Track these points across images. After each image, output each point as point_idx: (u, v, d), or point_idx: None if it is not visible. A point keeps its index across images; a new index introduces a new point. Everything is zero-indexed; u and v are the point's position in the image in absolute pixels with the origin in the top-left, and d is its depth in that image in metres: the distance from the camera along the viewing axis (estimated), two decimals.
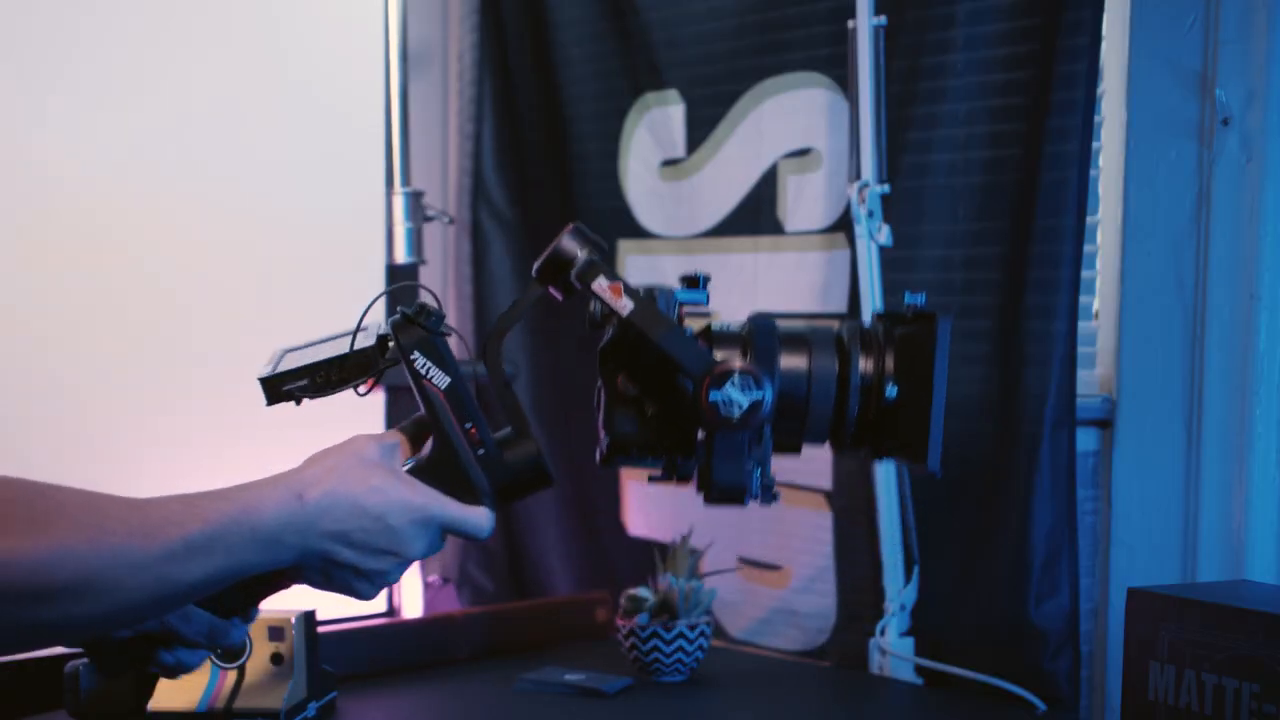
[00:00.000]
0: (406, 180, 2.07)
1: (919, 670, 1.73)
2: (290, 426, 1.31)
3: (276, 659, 1.50)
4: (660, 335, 1.09)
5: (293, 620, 1.50)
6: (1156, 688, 1.35)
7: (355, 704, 1.62)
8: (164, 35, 1.81)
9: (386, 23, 2.03)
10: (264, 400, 1.15)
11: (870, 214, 1.75)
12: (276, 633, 1.50)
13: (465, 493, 1.10)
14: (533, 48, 2.19)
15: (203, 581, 0.99)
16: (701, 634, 1.73)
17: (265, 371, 1.15)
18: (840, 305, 1.81)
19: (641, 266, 2.09)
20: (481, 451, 1.12)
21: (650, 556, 1.83)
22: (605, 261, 1.10)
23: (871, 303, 1.74)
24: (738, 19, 1.93)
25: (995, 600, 1.66)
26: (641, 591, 1.75)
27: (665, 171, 2.04)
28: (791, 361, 1.12)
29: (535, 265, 1.12)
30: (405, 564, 1.09)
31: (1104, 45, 1.60)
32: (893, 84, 1.73)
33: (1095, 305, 1.70)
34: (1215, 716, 1.29)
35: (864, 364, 1.13)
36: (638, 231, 2.08)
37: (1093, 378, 1.68)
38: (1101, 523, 1.67)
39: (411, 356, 1.10)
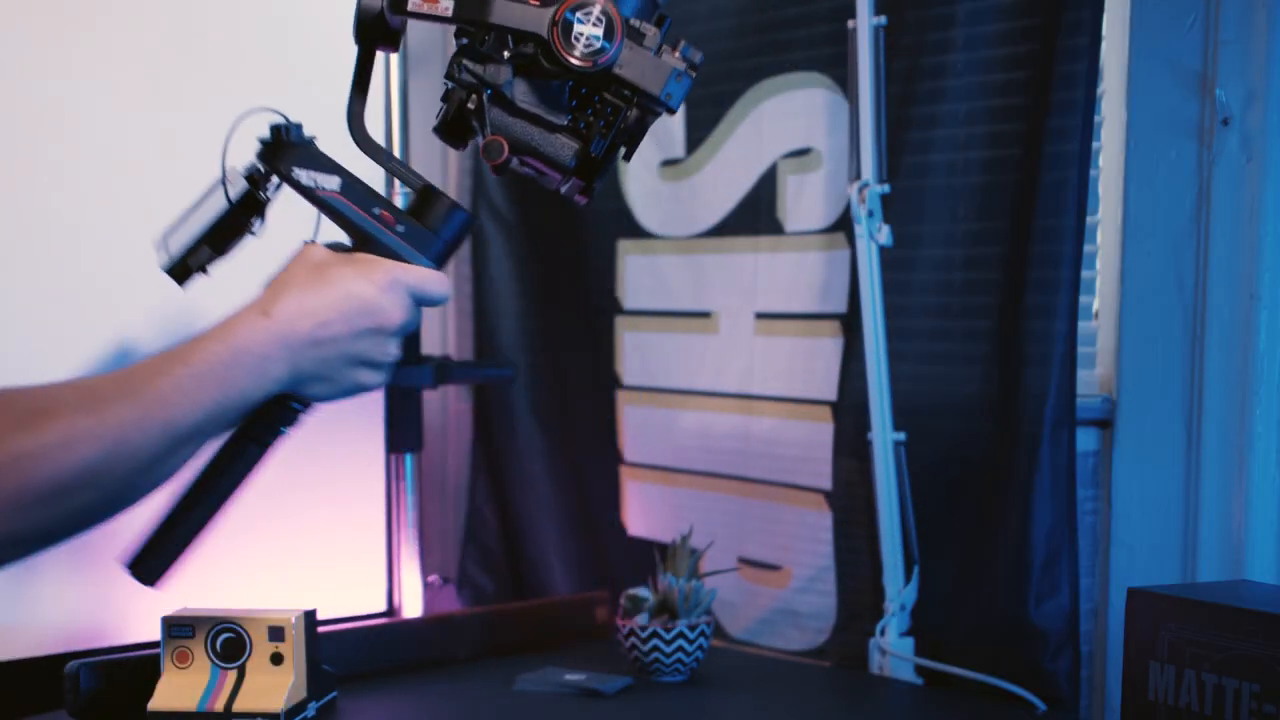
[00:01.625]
0: None
1: (919, 670, 1.73)
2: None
3: (276, 659, 1.50)
4: (492, 14, 1.06)
5: (293, 620, 1.50)
6: (1156, 688, 1.35)
7: (355, 704, 1.62)
8: (163, 35, 1.81)
9: None
10: (177, 288, 1.14)
11: (870, 214, 1.75)
12: (276, 633, 1.50)
13: None
14: None
15: (210, 419, 1.01)
16: (701, 634, 1.73)
17: (166, 262, 1.15)
18: (840, 305, 1.82)
19: (641, 266, 2.09)
20: (401, 228, 1.11)
21: (650, 556, 1.84)
22: None
23: (872, 303, 1.75)
24: (738, 19, 1.93)
25: (995, 600, 1.66)
26: (641, 591, 1.75)
27: (665, 171, 2.04)
28: None
29: (352, 32, 1.10)
30: (394, 336, 1.10)
31: (1104, 45, 1.61)
32: (893, 84, 1.73)
33: (1095, 305, 1.70)
34: (1215, 716, 1.29)
35: None
36: (637, 231, 2.08)
37: (1093, 378, 1.68)
38: (1101, 523, 1.67)
39: (294, 176, 1.10)
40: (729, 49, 1.94)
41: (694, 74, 1.10)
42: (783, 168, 1.90)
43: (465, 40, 1.11)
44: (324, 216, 1.13)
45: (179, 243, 1.15)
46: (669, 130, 2.02)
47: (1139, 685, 1.37)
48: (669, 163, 2.03)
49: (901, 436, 1.74)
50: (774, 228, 1.91)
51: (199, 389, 1.00)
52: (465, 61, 1.09)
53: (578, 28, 1.06)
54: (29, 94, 1.71)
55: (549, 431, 2.24)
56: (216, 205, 1.14)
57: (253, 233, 1.16)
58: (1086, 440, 1.66)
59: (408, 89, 2.06)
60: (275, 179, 1.13)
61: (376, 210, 1.11)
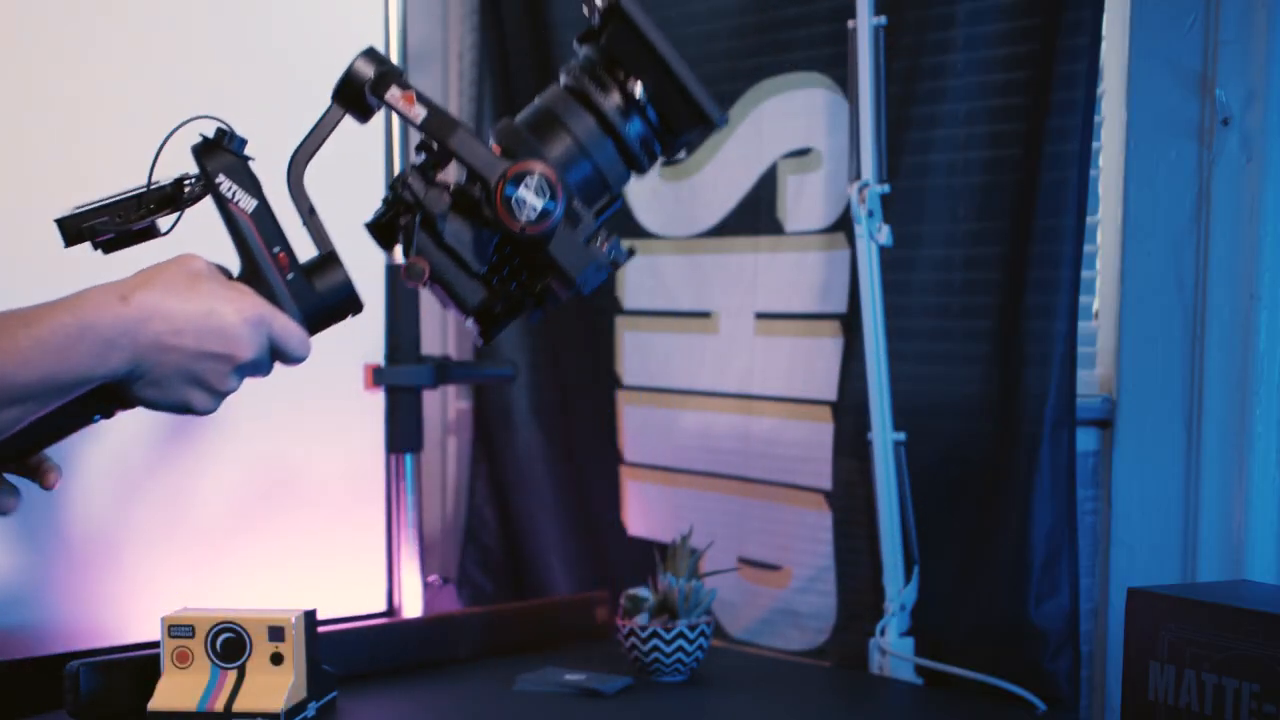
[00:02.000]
0: None
1: (919, 670, 1.73)
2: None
3: (276, 659, 1.50)
4: (454, 140, 1.10)
5: (293, 620, 1.50)
6: (1156, 688, 1.35)
7: (355, 704, 1.62)
8: (162, 35, 1.81)
9: (386, 23, 2.03)
10: (61, 243, 1.13)
11: (870, 214, 1.75)
12: (276, 633, 1.50)
13: None
14: (533, 48, 2.19)
15: (40, 385, 1.01)
16: (701, 634, 1.73)
17: (62, 213, 1.14)
18: (840, 305, 1.81)
19: (641, 266, 2.09)
20: (291, 277, 1.11)
21: (650, 556, 1.83)
22: (399, 76, 1.11)
23: (872, 303, 1.74)
24: (738, 19, 1.93)
25: (995, 600, 1.66)
26: (641, 591, 1.75)
27: (665, 171, 2.04)
28: (558, 148, 1.14)
29: (333, 89, 1.12)
30: (239, 371, 1.09)
31: (1104, 45, 1.60)
32: (893, 84, 1.73)
33: (1095, 305, 1.70)
34: (1215, 716, 1.29)
35: (610, 98, 1.14)
36: (638, 231, 2.08)
37: (1093, 378, 1.68)
38: (1101, 523, 1.67)
39: (216, 180, 1.10)
40: (729, 49, 1.94)
41: (613, 271, 1.18)
42: (783, 168, 1.90)
43: (422, 158, 1.14)
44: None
45: (84, 205, 1.14)
46: None
47: (1139, 685, 1.37)
48: (669, 163, 2.03)
49: (901, 436, 1.74)
50: (774, 228, 1.91)
51: (36, 353, 1.00)
52: (411, 180, 1.13)
53: (521, 192, 1.10)
54: (30, 95, 1.71)
55: (549, 431, 2.24)
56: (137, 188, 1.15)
57: (160, 231, 1.16)
58: (1086, 440, 1.65)
59: None
60: (202, 190, 1.13)
61: (276, 249, 1.13)
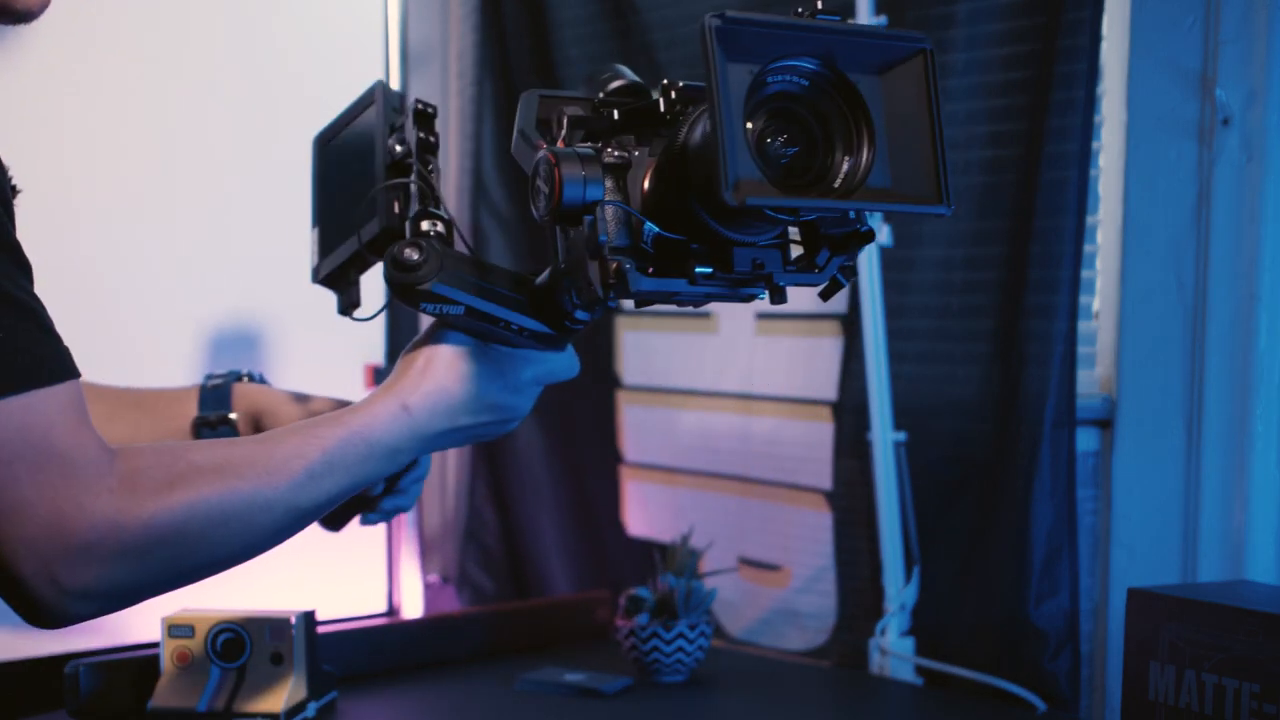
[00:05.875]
0: None
1: (919, 670, 1.73)
2: None
3: (276, 659, 1.50)
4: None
5: (293, 620, 1.50)
6: (1156, 688, 1.35)
7: (355, 704, 1.62)
8: (162, 35, 1.81)
9: (386, 23, 2.03)
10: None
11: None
12: (276, 633, 1.50)
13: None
14: (533, 48, 2.19)
15: (327, 501, 1.06)
16: (701, 634, 1.73)
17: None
18: (840, 305, 1.81)
19: None
20: (526, 335, 1.14)
21: (650, 556, 1.83)
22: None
23: (872, 303, 1.74)
24: None
25: (995, 600, 1.66)
26: (641, 591, 1.75)
27: None
28: None
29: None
30: (523, 414, 1.18)
31: (1104, 45, 1.61)
32: None
33: (1095, 305, 1.70)
34: (1215, 716, 1.29)
35: None
36: None
37: (1093, 378, 1.68)
38: (1101, 523, 1.67)
39: (422, 307, 1.11)
40: None
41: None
42: None
43: None
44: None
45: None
46: None
47: (1139, 685, 1.37)
48: None
49: (901, 436, 1.74)
50: None
51: (328, 477, 1.05)
52: None
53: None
54: (38, 99, 1.71)
55: (549, 431, 2.23)
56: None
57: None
58: (1086, 440, 1.65)
59: (408, 90, 2.06)
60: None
61: (501, 325, 1.13)
